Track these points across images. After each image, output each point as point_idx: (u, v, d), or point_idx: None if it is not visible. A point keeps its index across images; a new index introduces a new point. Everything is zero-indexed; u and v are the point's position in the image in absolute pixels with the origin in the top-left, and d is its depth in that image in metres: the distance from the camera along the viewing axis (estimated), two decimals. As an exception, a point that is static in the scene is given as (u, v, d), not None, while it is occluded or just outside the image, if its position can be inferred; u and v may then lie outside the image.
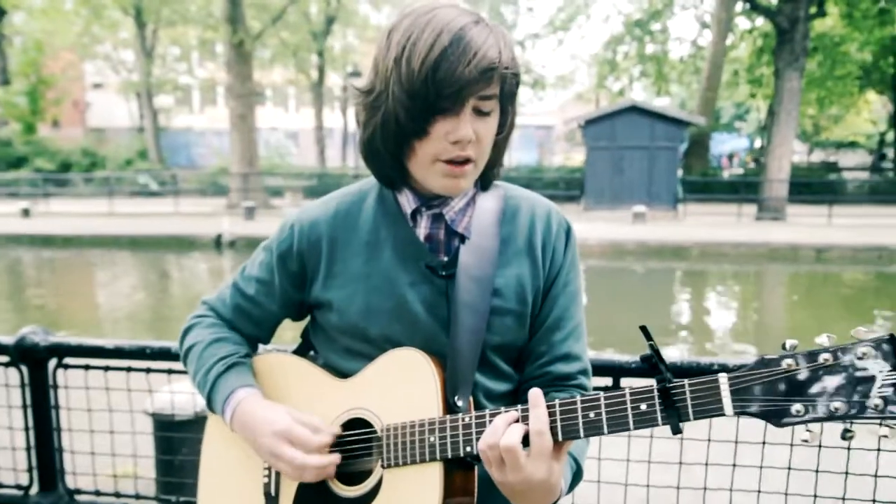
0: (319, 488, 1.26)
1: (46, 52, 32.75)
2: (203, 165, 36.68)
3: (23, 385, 2.34)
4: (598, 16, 67.56)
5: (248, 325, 1.40)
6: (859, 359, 0.92)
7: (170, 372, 2.24)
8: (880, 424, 0.92)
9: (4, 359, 2.35)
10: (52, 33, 32.18)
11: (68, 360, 2.33)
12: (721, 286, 14.08)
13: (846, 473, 1.85)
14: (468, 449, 1.13)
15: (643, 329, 1.04)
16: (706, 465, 1.94)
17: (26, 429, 2.36)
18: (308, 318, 1.43)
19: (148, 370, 2.25)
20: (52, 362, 2.34)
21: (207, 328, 1.39)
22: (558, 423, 1.07)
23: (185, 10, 31.54)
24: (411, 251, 1.27)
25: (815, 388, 0.94)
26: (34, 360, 2.31)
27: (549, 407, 1.08)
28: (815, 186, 24.00)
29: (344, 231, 1.30)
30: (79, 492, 2.38)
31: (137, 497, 2.39)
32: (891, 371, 0.90)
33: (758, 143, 38.72)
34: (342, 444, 1.25)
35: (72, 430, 2.40)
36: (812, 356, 0.94)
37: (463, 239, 1.26)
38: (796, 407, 0.94)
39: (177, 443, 2.78)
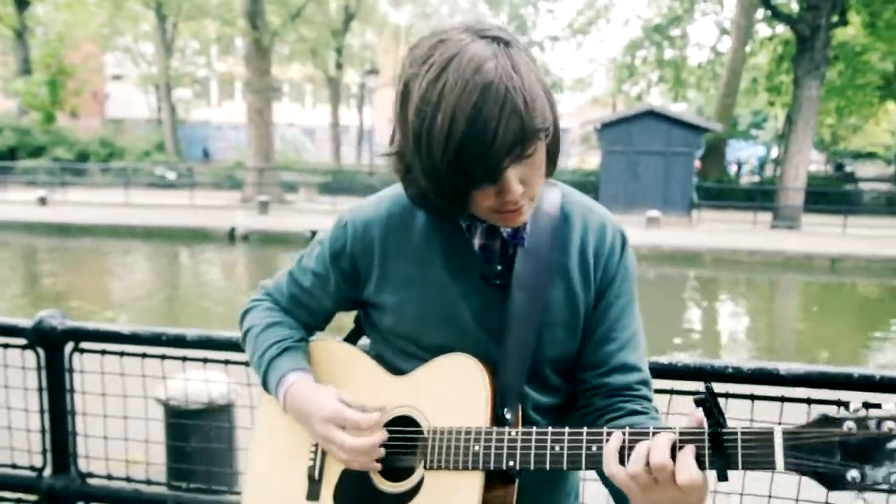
0: (361, 478, 1.27)
1: (67, 43, 33.01)
2: (219, 159, 36.85)
3: (39, 368, 2.37)
4: (618, 20, 67.36)
5: (303, 314, 1.42)
6: None
7: (184, 359, 2.26)
8: None
9: (22, 341, 2.38)
10: (74, 25, 32.44)
11: (84, 345, 2.35)
12: (734, 293, 14.00)
13: None
14: (510, 463, 1.13)
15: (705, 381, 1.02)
16: None
17: (41, 411, 2.38)
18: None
19: (163, 357, 2.27)
20: (69, 346, 2.36)
21: (264, 311, 1.42)
22: (604, 451, 1.07)
23: (206, 4, 31.70)
24: (464, 260, 1.25)
25: (875, 456, 0.89)
26: (51, 344, 2.34)
27: (595, 434, 1.09)
28: (831, 196, 23.81)
29: (396, 235, 1.29)
30: (91, 475, 2.40)
31: (148, 483, 2.41)
32: None
33: (774, 152, 38.46)
34: (388, 439, 1.26)
35: (86, 414, 2.42)
36: (877, 422, 0.90)
37: (521, 241, 1.24)
38: (852, 473, 0.90)
39: (189, 430, 2.80)
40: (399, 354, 1.32)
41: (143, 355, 2.28)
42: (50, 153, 30.98)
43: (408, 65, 1.09)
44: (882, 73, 27.37)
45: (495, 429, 1.16)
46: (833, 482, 0.91)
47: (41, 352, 2.36)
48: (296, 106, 47.95)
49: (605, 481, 1.22)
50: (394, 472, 1.26)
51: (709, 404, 0.98)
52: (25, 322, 2.35)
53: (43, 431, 2.40)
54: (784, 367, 1.79)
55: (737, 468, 0.98)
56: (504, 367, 1.21)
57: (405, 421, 1.26)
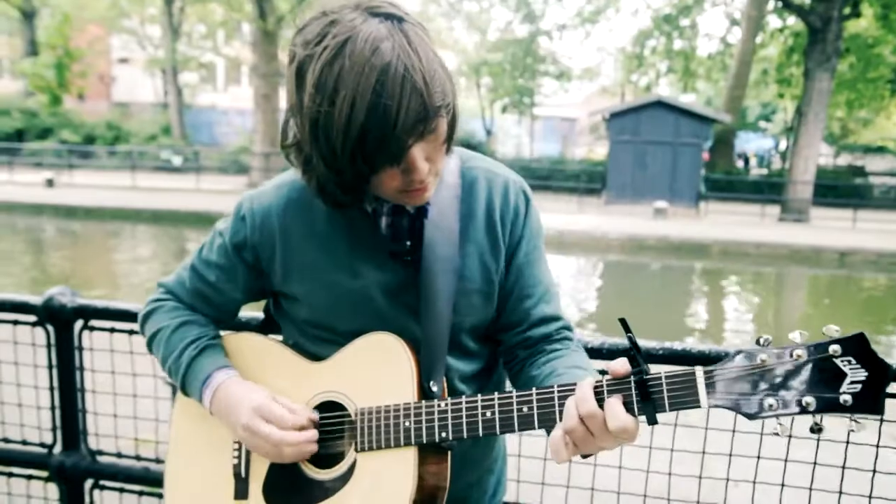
0: (291, 470, 1.24)
1: (74, 24, 32.96)
2: (225, 143, 36.83)
3: (49, 345, 2.36)
4: (627, 9, 66.99)
5: (209, 309, 1.37)
6: (831, 356, 0.93)
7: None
8: (850, 419, 0.93)
9: (32, 318, 2.36)
10: (80, 6, 32.40)
11: (94, 323, 2.34)
12: (741, 286, 13.96)
13: None
14: (443, 434, 1.13)
15: (622, 322, 1.03)
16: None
17: (51, 389, 2.38)
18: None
19: (173, 335, 2.25)
20: (78, 324, 2.35)
21: (170, 312, 1.36)
22: (534, 411, 1.08)
23: (214, -13, 31.59)
24: (371, 241, 1.22)
25: (787, 383, 0.95)
26: (61, 321, 2.32)
27: (524, 395, 1.10)
28: (840, 189, 23.69)
29: (298, 221, 1.24)
30: (101, 453, 2.40)
31: (158, 461, 2.40)
32: (859, 368, 0.92)
33: (783, 144, 38.27)
34: (315, 427, 1.23)
35: (95, 391, 2.41)
36: (786, 352, 0.96)
37: (424, 213, 1.21)
38: (769, 401, 0.96)
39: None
40: (316, 342, 1.28)
41: (154, 334, 2.26)
42: (57, 135, 31.01)
43: (299, 46, 1.05)
44: (894, 67, 27.16)
45: (424, 402, 1.15)
46: (753, 412, 0.97)
47: (51, 329, 2.34)
48: (302, 92, 47.80)
49: None
50: (323, 459, 1.23)
51: (632, 352, 1.01)
52: (35, 299, 2.33)
53: (53, 409, 2.39)
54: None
55: (664, 411, 1.01)
56: (425, 340, 1.19)
57: (330, 406, 1.23)
